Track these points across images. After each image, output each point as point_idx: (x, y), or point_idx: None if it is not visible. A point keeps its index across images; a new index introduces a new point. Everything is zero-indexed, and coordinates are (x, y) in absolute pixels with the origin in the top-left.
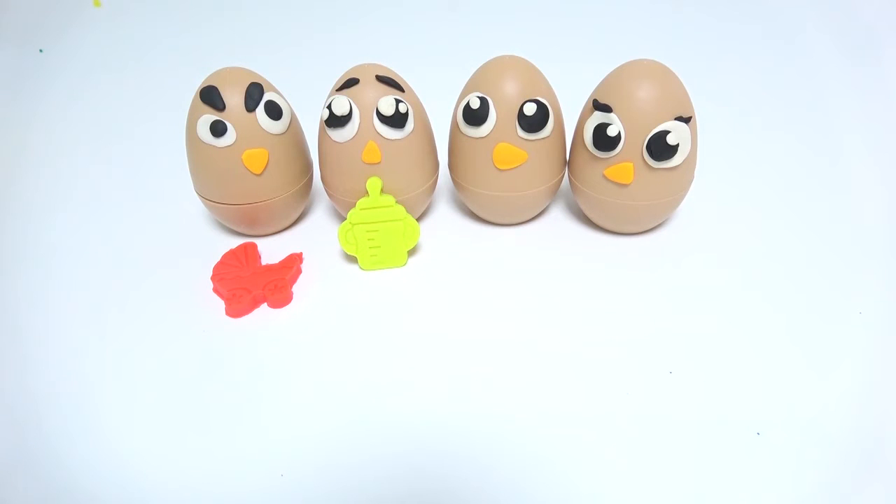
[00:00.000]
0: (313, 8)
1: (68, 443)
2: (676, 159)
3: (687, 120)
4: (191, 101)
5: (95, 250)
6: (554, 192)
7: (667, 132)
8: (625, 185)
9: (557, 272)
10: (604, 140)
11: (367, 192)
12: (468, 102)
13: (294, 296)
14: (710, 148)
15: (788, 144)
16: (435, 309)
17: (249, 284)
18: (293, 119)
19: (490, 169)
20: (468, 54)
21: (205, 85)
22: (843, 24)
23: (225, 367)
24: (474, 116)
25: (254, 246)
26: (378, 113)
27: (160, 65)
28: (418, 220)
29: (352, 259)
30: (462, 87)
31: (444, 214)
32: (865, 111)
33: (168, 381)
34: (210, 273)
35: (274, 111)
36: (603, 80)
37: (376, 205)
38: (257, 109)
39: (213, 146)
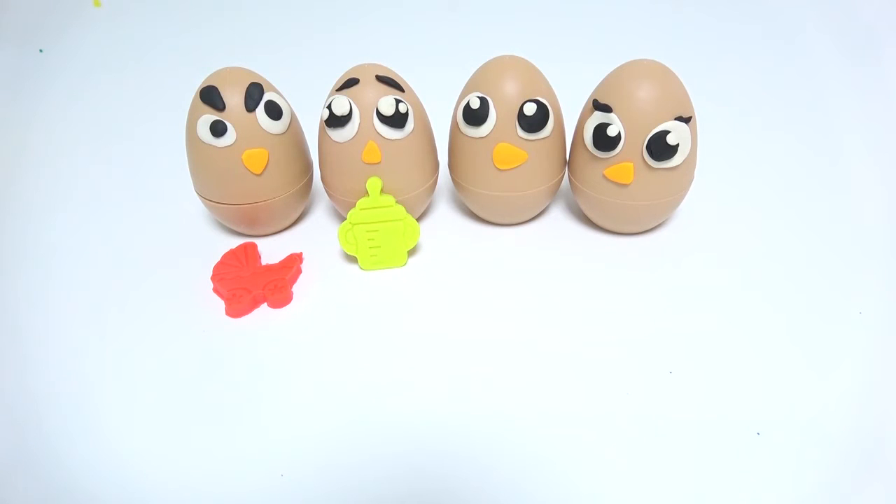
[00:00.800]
0: (313, 8)
1: (68, 443)
2: (676, 159)
3: (687, 120)
4: (191, 101)
5: (95, 250)
6: (554, 192)
7: (667, 132)
8: (625, 185)
9: (557, 272)
10: (604, 140)
11: (367, 192)
12: (468, 102)
13: (294, 296)
14: (710, 148)
15: (788, 144)
16: (435, 309)
17: (249, 284)
18: (293, 119)
19: (490, 169)
20: (468, 54)
21: (205, 85)
22: (843, 23)
23: (225, 367)
24: (474, 116)
25: (254, 246)
26: (378, 113)
27: (160, 65)
28: (418, 220)
29: (352, 259)
30: (462, 87)
31: (444, 214)
32: (865, 111)
33: (168, 381)
34: (210, 273)
35: (274, 111)
36: (603, 80)
37: (376, 205)
38: (257, 109)
39: (213, 146)
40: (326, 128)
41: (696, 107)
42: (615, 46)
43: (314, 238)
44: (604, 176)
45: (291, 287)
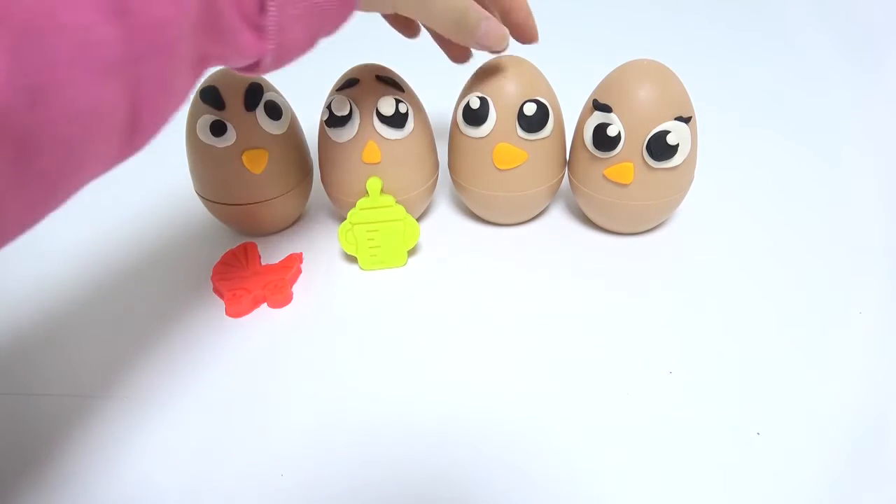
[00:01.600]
0: None
1: (68, 443)
2: (676, 159)
3: (687, 120)
4: (191, 101)
5: (95, 250)
6: (554, 192)
7: (667, 132)
8: (625, 185)
9: (557, 272)
10: (604, 140)
11: (367, 192)
12: (468, 102)
13: (294, 296)
14: (710, 148)
15: (788, 144)
16: (435, 309)
17: (249, 284)
18: (293, 119)
19: (490, 169)
20: None
21: (205, 85)
22: (844, 24)
23: (225, 367)
24: (474, 116)
25: (254, 246)
26: (378, 113)
27: None
28: (418, 220)
29: (352, 259)
30: (462, 87)
31: (444, 214)
32: (865, 111)
33: (168, 381)
34: (210, 273)
35: (274, 111)
36: (603, 80)
37: (376, 205)
38: (257, 109)
39: (213, 146)
40: (326, 128)
41: (695, 107)
42: (615, 46)
43: (314, 238)
44: (604, 176)
45: (291, 287)
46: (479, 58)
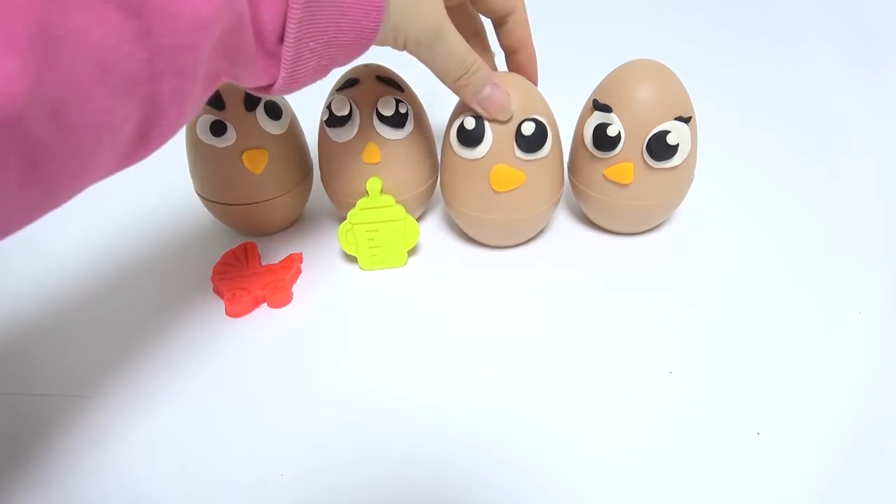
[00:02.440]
0: None
1: (67, 443)
2: (676, 159)
3: (687, 120)
4: None
5: (95, 250)
6: (551, 212)
7: (667, 132)
8: (625, 185)
9: (557, 272)
10: (604, 140)
11: (367, 192)
12: (462, 123)
13: (294, 296)
14: (710, 148)
15: (788, 144)
16: (435, 309)
17: (249, 284)
18: (293, 119)
19: (487, 191)
20: None
21: None
22: (844, 24)
23: (225, 367)
24: (470, 137)
25: (254, 246)
26: (378, 113)
27: None
28: (418, 220)
29: (352, 259)
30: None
31: (445, 214)
32: (865, 111)
33: (168, 381)
34: (210, 273)
35: (273, 111)
36: (603, 80)
37: (376, 205)
38: (257, 109)
39: (213, 146)
40: (326, 128)
41: (696, 107)
42: (615, 46)
43: (314, 238)
44: (604, 176)
45: (291, 287)
46: None
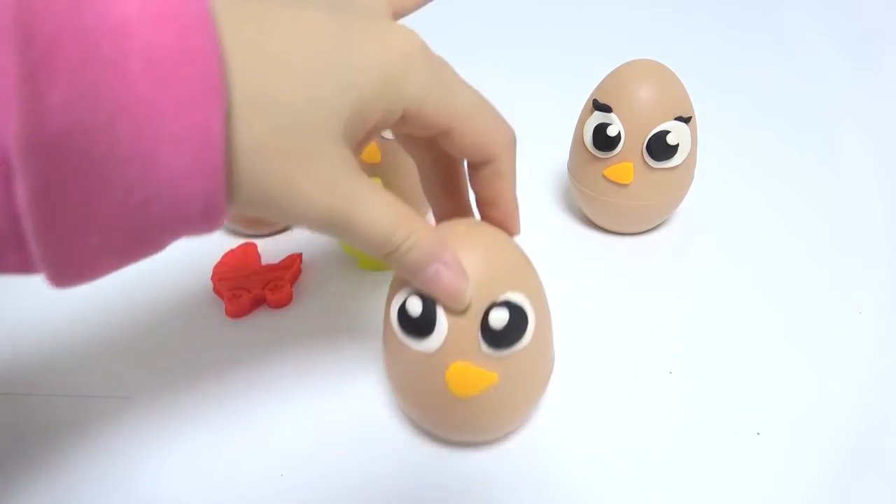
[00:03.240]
0: None
1: (67, 443)
2: (676, 159)
3: (687, 120)
4: None
5: None
6: (533, 408)
7: (667, 132)
8: (625, 185)
9: (557, 272)
10: (604, 140)
11: None
12: (404, 305)
13: (294, 296)
14: (710, 148)
15: (788, 144)
16: None
17: (249, 284)
18: None
19: (444, 396)
20: (468, 54)
21: None
22: (844, 24)
23: (225, 367)
24: (415, 326)
25: (254, 246)
26: None
27: None
28: None
29: (352, 259)
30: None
31: None
32: (865, 111)
33: (168, 381)
34: (210, 273)
35: None
36: (603, 80)
37: None
38: None
39: None
40: None
41: (696, 107)
42: (615, 46)
43: (314, 238)
44: (604, 176)
45: (291, 287)
46: (480, 58)
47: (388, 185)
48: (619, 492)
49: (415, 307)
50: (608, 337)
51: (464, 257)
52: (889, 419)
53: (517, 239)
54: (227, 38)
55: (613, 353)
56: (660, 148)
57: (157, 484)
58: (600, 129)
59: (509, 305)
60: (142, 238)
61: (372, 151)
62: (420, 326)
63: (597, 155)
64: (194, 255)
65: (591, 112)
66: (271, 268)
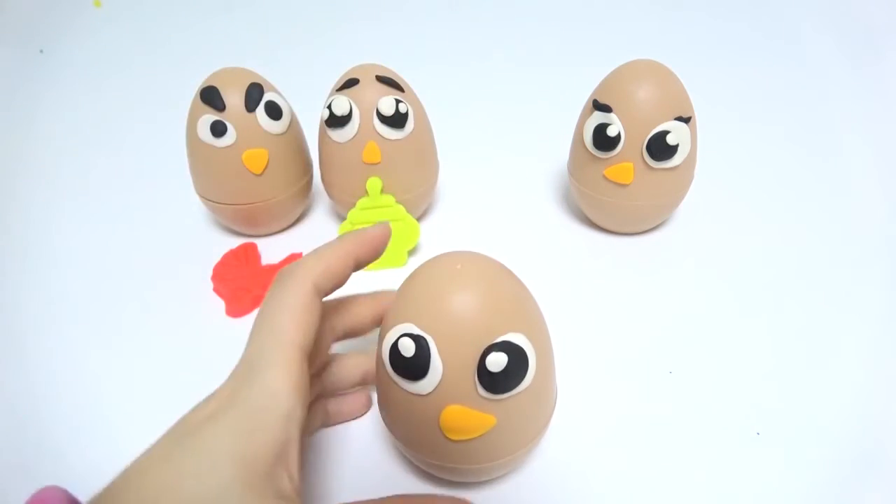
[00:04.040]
0: (313, 8)
1: (71, 444)
2: (676, 159)
3: (687, 120)
4: (191, 101)
5: (96, 250)
6: (530, 452)
7: (667, 132)
8: (625, 185)
9: (557, 272)
10: (604, 140)
11: (367, 192)
12: (396, 344)
13: None
14: (710, 148)
15: (788, 144)
16: None
17: (249, 284)
18: (293, 119)
19: (438, 436)
20: (468, 54)
21: (205, 85)
22: (844, 23)
23: (225, 367)
24: (408, 369)
25: (254, 246)
26: (378, 113)
27: (160, 65)
28: (418, 220)
29: None
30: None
31: (444, 214)
32: (865, 111)
33: (168, 381)
34: (210, 273)
35: (274, 111)
36: (603, 80)
37: (376, 205)
38: (257, 109)
39: (213, 146)
40: (326, 128)
41: (695, 107)
42: (615, 46)
43: (314, 238)
44: (604, 176)
45: None
46: (480, 58)
47: (388, 184)
48: (619, 491)
49: (407, 347)
50: (608, 337)
51: (460, 297)
52: (889, 419)
53: (521, 245)
54: None
55: (613, 352)
56: (660, 148)
57: None
58: (600, 130)
59: (508, 347)
60: None
61: (372, 151)
62: (413, 369)
63: (597, 155)
64: (194, 255)
65: (591, 112)
66: (271, 268)
